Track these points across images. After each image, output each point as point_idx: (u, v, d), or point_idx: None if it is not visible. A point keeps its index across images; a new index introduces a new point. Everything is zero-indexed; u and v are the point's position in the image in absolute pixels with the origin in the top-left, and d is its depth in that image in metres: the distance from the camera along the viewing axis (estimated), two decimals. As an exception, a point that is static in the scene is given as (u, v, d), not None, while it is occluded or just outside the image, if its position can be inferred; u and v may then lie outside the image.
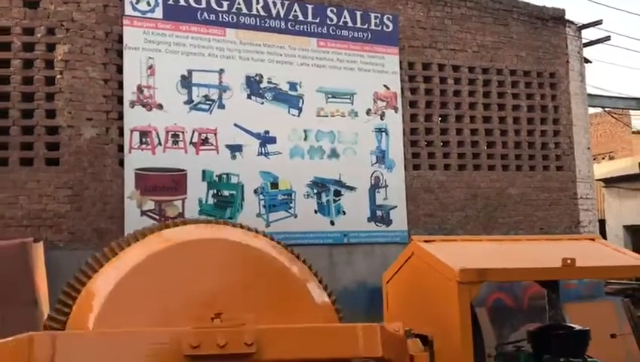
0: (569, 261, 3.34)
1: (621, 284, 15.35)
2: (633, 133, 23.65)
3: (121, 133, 9.26)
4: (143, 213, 9.17)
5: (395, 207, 10.81)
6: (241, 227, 3.48)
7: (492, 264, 3.45)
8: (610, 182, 18.64)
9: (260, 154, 10.04)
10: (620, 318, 11.72)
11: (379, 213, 10.72)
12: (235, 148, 9.88)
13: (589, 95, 13.44)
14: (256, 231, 3.36)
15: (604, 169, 19.21)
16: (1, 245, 8.22)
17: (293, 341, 2.45)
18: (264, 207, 9.93)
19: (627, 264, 3.67)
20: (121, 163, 9.22)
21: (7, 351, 2.37)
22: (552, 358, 3.71)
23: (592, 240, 4.06)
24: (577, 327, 3.84)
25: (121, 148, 9.24)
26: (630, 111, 19.15)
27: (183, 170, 9.51)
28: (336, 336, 2.52)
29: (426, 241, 3.73)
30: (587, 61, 13.09)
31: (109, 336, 2.43)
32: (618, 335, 11.23)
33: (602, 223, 17.76)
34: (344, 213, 10.48)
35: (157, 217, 9.17)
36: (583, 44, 12.97)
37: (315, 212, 10.25)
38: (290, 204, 10.12)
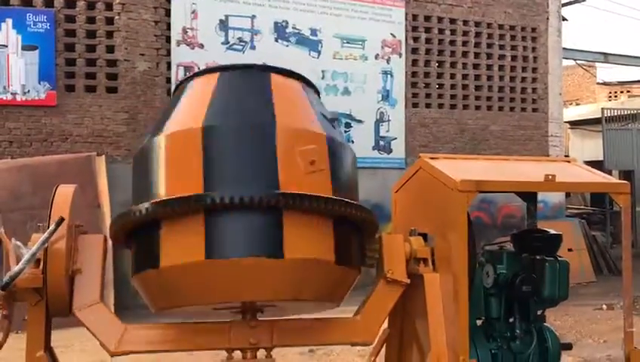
0: (550, 176, 3.35)
1: (579, 209, 15.49)
2: (598, 84, 23.29)
3: (169, 68, 9.20)
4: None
5: (396, 138, 10.79)
6: None
7: (486, 177, 3.47)
8: (575, 124, 18.60)
9: (285, 89, 9.94)
10: (576, 236, 11.91)
11: (382, 142, 10.71)
12: (263, 84, 9.78)
13: (564, 49, 13.19)
14: None
15: (571, 113, 19.11)
16: (70, 157, 8.32)
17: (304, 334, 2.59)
18: (287, 134, 9.89)
19: (597, 181, 3.68)
20: (169, 92, 9.16)
21: None
22: (530, 256, 3.76)
23: (569, 162, 4.06)
24: (552, 231, 3.88)
25: (168, 80, 9.20)
26: (597, 64, 18.81)
27: (220, 101, 9.46)
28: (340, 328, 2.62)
29: (431, 158, 3.75)
30: (564, 19, 12.79)
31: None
32: (574, 250, 11.46)
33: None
34: (353, 141, 10.44)
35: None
36: (562, 3, 12.66)
37: (329, 140, 10.23)
38: (309, 133, 10.09)
